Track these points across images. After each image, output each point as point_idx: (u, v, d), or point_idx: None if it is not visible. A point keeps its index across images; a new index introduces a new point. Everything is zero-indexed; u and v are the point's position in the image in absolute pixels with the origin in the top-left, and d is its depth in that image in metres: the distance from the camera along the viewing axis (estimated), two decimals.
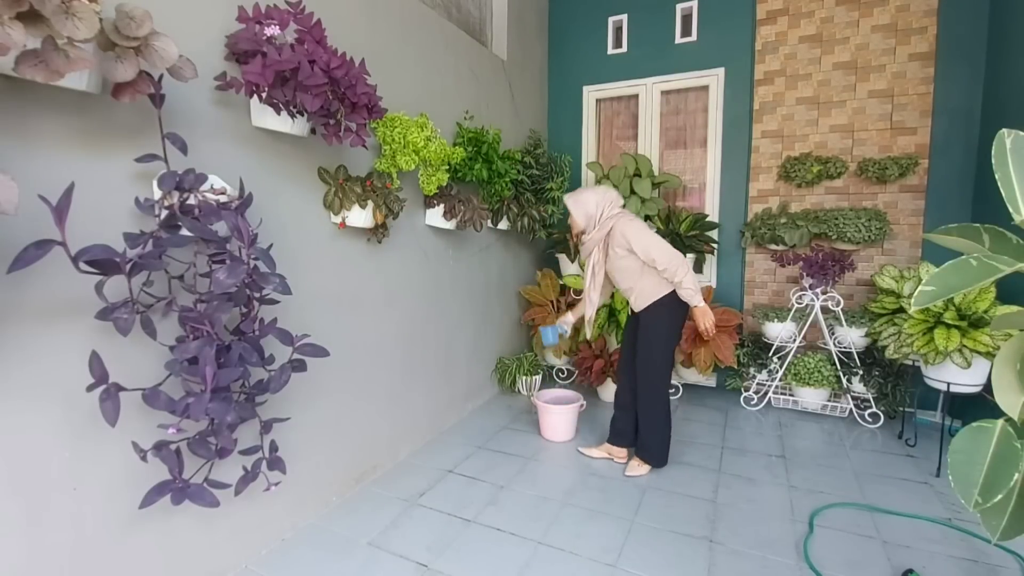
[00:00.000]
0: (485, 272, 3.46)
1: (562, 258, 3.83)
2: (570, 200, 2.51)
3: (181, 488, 1.44)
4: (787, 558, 1.92)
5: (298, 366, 1.67)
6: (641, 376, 2.52)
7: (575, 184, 4.12)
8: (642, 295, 2.46)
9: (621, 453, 2.69)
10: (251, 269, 1.51)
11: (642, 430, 2.57)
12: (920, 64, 3.17)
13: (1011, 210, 0.90)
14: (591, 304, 2.60)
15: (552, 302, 3.82)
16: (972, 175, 3.09)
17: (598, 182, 3.68)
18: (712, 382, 3.64)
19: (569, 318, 2.77)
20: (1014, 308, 2.39)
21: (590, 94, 4.15)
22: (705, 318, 2.43)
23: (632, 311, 2.59)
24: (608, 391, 3.55)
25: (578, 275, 3.63)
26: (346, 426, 2.33)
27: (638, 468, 2.56)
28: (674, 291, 2.41)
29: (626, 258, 2.43)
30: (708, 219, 3.65)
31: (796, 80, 3.48)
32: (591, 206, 2.46)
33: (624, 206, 2.60)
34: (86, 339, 1.37)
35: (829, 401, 3.30)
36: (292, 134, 1.86)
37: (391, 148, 2.23)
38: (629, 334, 2.66)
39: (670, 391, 2.56)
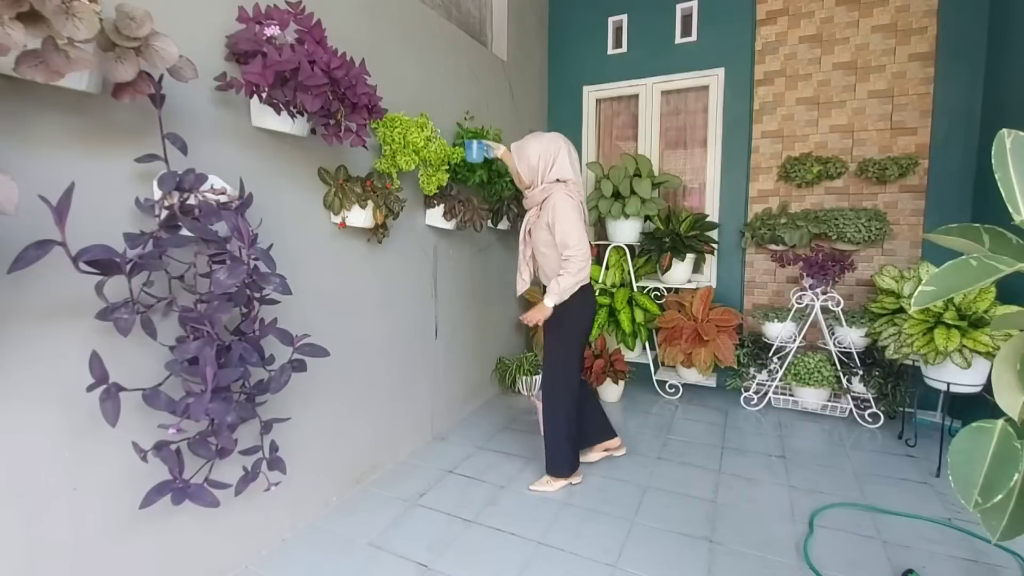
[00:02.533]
0: (485, 272, 3.46)
1: None
2: (514, 149, 2.31)
3: (181, 488, 1.44)
4: (787, 558, 1.92)
5: (298, 366, 1.67)
6: (543, 375, 2.40)
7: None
8: (546, 281, 2.32)
9: (615, 443, 2.67)
10: (251, 269, 1.50)
11: (549, 437, 2.40)
12: (920, 64, 3.17)
13: (1011, 210, 0.90)
14: (520, 281, 2.42)
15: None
16: (972, 175, 3.09)
17: (598, 182, 3.68)
18: (712, 382, 3.64)
19: (500, 149, 2.43)
20: (1014, 308, 2.39)
21: (590, 94, 4.16)
22: (538, 313, 2.23)
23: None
24: (608, 391, 3.55)
25: None
26: (346, 426, 2.33)
27: (546, 484, 2.41)
28: (587, 289, 2.29)
29: (545, 231, 2.24)
30: (708, 219, 3.65)
31: (796, 80, 3.48)
32: (533, 156, 2.24)
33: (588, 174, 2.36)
34: (86, 339, 1.37)
35: (829, 401, 3.30)
36: (292, 134, 1.86)
37: (391, 148, 2.23)
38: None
39: (571, 397, 2.36)
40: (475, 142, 2.43)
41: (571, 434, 2.39)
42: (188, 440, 1.49)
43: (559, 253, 2.21)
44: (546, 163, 2.24)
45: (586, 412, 2.56)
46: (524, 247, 2.39)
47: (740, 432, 3.09)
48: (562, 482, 2.42)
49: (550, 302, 2.20)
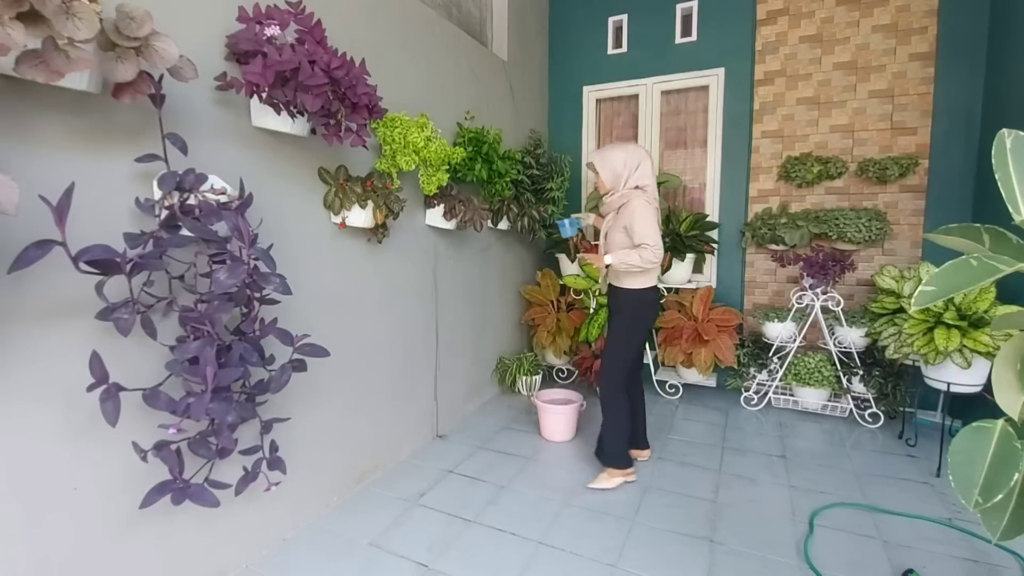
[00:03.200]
0: (485, 272, 3.46)
1: (562, 258, 3.83)
2: (596, 158, 2.41)
3: (181, 488, 1.44)
4: (787, 558, 1.92)
5: (298, 366, 1.67)
6: (602, 367, 2.48)
7: (575, 184, 4.12)
8: (622, 276, 2.41)
9: (644, 454, 2.69)
10: (251, 269, 1.50)
11: (603, 430, 2.49)
12: (920, 64, 3.17)
13: (1011, 210, 0.90)
14: (604, 281, 2.56)
15: (552, 302, 3.82)
16: (972, 175, 3.09)
17: None
18: (712, 382, 3.64)
19: (591, 218, 2.70)
20: (1014, 308, 2.39)
21: (590, 94, 4.15)
22: (597, 260, 2.38)
23: (607, 292, 2.54)
24: None
25: (578, 275, 3.63)
26: (347, 426, 2.33)
27: (604, 480, 2.43)
28: (654, 285, 2.41)
29: (622, 234, 2.35)
30: (708, 219, 3.65)
31: (796, 80, 3.48)
32: (618, 164, 2.35)
33: (660, 183, 2.46)
34: (86, 339, 1.37)
35: (829, 401, 3.30)
36: (292, 134, 1.86)
37: (391, 148, 2.23)
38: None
39: (625, 389, 2.46)
40: (567, 220, 2.62)
41: (626, 427, 2.45)
42: (188, 440, 1.49)
43: (631, 244, 2.32)
44: (630, 169, 2.34)
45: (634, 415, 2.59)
46: (602, 253, 2.47)
47: (740, 432, 3.09)
48: (619, 478, 2.44)
49: (609, 260, 2.31)
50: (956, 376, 2.51)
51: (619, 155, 2.36)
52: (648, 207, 2.32)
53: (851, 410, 3.20)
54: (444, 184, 2.57)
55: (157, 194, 1.42)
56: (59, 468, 1.36)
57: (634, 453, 2.65)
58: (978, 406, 2.62)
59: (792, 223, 3.40)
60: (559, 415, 2.94)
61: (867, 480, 2.49)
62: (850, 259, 3.17)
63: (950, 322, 2.48)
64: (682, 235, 3.51)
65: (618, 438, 2.44)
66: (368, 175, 2.26)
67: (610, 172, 2.38)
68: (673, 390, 3.68)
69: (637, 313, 2.42)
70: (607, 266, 2.38)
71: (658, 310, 2.51)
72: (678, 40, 3.77)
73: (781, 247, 3.46)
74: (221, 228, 1.48)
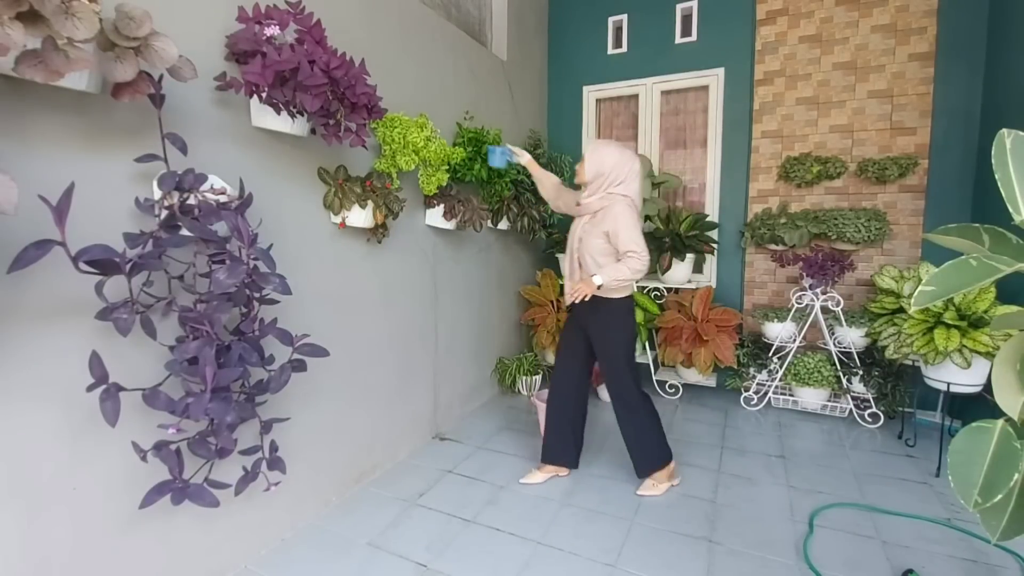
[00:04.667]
0: (485, 272, 3.46)
1: (562, 258, 3.82)
2: (589, 147, 2.25)
3: (181, 488, 1.44)
4: (787, 558, 1.92)
5: (298, 366, 1.67)
6: (612, 388, 2.37)
7: (575, 183, 4.11)
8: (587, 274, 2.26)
9: (565, 472, 2.54)
10: (251, 269, 1.50)
11: (633, 441, 2.38)
12: (920, 64, 3.17)
13: (1011, 210, 0.90)
14: (570, 280, 2.36)
15: (552, 302, 3.82)
16: (972, 175, 3.09)
17: None
18: (712, 382, 3.64)
19: (525, 156, 2.54)
20: (1014, 308, 2.39)
21: (590, 94, 4.15)
22: (586, 287, 2.13)
23: (572, 307, 2.38)
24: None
25: None
26: (346, 426, 2.33)
27: (652, 487, 2.37)
28: (632, 299, 2.32)
29: (602, 240, 2.21)
30: (708, 219, 3.65)
31: (796, 80, 3.48)
32: (608, 164, 2.18)
33: (650, 189, 2.36)
34: (86, 339, 1.37)
35: (829, 401, 3.30)
36: (292, 134, 1.86)
37: (391, 148, 2.23)
38: (572, 336, 2.43)
39: (642, 390, 2.39)
40: (498, 148, 2.51)
41: (659, 426, 2.40)
42: (188, 440, 1.49)
43: (612, 252, 2.20)
44: (618, 175, 2.19)
45: (577, 421, 2.52)
46: (572, 254, 2.32)
47: (740, 432, 3.09)
48: (666, 484, 2.39)
49: (599, 281, 2.12)
50: (956, 376, 2.51)
51: (613, 155, 2.20)
52: (633, 213, 2.19)
53: (851, 410, 3.20)
54: (444, 184, 2.57)
55: (157, 194, 1.42)
56: (59, 468, 1.36)
57: (560, 471, 2.52)
58: (978, 406, 2.62)
59: (792, 223, 3.40)
60: None
61: (866, 480, 2.49)
62: (849, 259, 3.17)
63: (950, 322, 2.48)
64: (682, 235, 3.50)
65: (656, 439, 2.38)
66: (368, 175, 2.26)
67: (595, 167, 2.20)
68: (673, 390, 3.68)
69: (628, 322, 2.32)
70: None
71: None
72: (678, 40, 3.77)
73: (781, 247, 3.46)
74: (221, 228, 1.48)
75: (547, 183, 2.57)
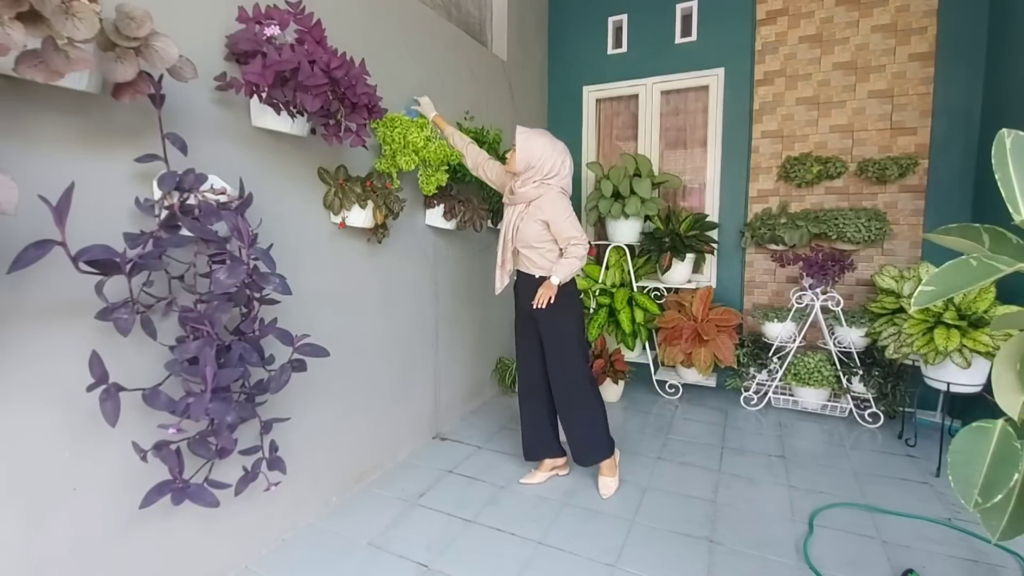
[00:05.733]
0: (485, 272, 3.46)
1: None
2: (521, 136, 2.20)
3: (181, 488, 1.44)
4: (787, 558, 1.92)
5: (298, 366, 1.67)
6: (561, 374, 2.33)
7: (575, 184, 4.11)
8: (530, 265, 2.30)
9: (564, 470, 2.55)
10: (251, 269, 1.50)
11: (584, 430, 2.34)
12: (920, 64, 3.17)
13: (1011, 210, 0.90)
14: (501, 278, 2.39)
15: None
16: (972, 175, 3.09)
17: (598, 182, 3.68)
18: (712, 382, 3.64)
19: (430, 110, 2.55)
20: (1014, 308, 2.39)
21: (590, 94, 4.15)
22: (548, 291, 2.20)
23: (517, 302, 2.43)
24: (608, 391, 3.55)
25: (577, 275, 3.62)
26: (346, 426, 2.33)
27: (611, 486, 2.37)
28: (574, 281, 2.32)
29: (539, 228, 2.22)
30: (708, 219, 3.65)
31: (796, 80, 3.48)
32: (537, 152, 2.18)
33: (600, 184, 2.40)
34: (86, 339, 1.37)
35: (829, 401, 3.30)
36: (292, 134, 1.86)
37: (391, 148, 2.23)
38: (525, 329, 2.44)
39: (595, 386, 2.41)
40: (405, 107, 2.53)
41: (605, 413, 2.41)
42: (188, 440, 1.49)
43: (556, 246, 2.25)
44: (550, 167, 2.20)
45: (551, 414, 2.49)
46: (509, 245, 2.32)
47: (740, 432, 3.09)
48: (616, 470, 2.42)
49: (557, 280, 2.20)
50: (956, 376, 2.51)
51: (544, 145, 2.19)
52: (565, 200, 2.24)
53: (851, 410, 3.20)
54: (444, 184, 2.56)
55: (157, 194, 1.42)
56: (59, 468, 1.36)
57: (554, 463, 2.52)
58: (978, 406, 2.62)
59: (792, 223, 3.40)
60: None
61: (866, 480, 2.49)
62: (850, 259, 3.17)
63: (950, 322, 2.48)
64: (682, 235, 3.51)
65: (606, 422, 2.40)
66: (368, 175, 2.26)
67: (526, 159, 2.19)
68: (673, 390, 3.68)
69: (575, 304, 2.35)
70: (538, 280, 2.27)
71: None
72: (678, 40, 3.77)
73: (781, 247, 3.46)
74: (221, 228, 1.48)
75: (469, 148, 2.53)
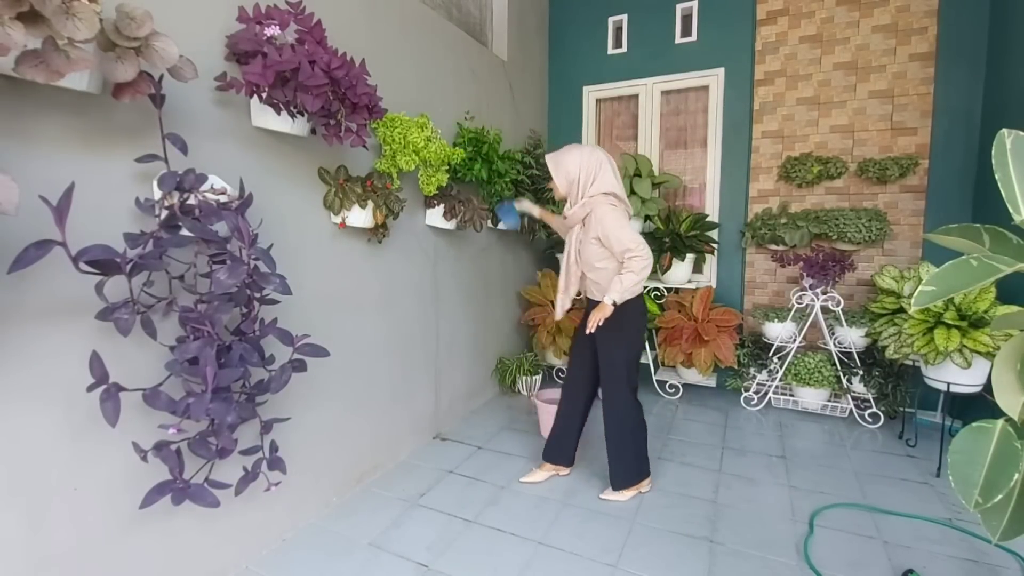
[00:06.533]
0: (485, 272, 3.46)
1: (561, 257, 3.82)
2: (550, 161, 2.21)
3: (181, 488, 1.44)
4: (787, 558, 1.92)
5: (298, 366, 1.67)
6: (605, 396, 2.31)
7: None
8: (595, 287, 2.26)
9: (565, 471, 2.55)
10: (251, 269, 1.51)
11: (616, 454, 2.31)
12: (920, 64, 3.17)
13: (1011, 210, 0.90)
14: (563, 303, 2.36)
15: (552, 302, 3.81)
16: (972, 175, 3.09)
17: None
18: (712, 382, 3.64)
19: (536, 210, 2.59)
20: (1014, 308, 2.39)
21: (590, 94, 4.15)
22: (600, 313, 2.11)
23: (586, 307, 2.36)
24: None
25: None
26: (346, 426, 2.33)
27: (619, 494, 2.33)
28: (640, 294, 2.24)
29: (596, 246, 2.18)
30: (708, 219, 3.65)
31: (796, 80, 3.48)
32: (573, 169, 2.15)
33: (625, 183, 2.30)
34: (86, 339, 1.37)
35: (829, 401, 3.30)
36: (292, 134, 1.86)
37: (391, 148, 2.23)
38: (581, 343, 2.36)
39: (638, 402, 2.33)
40: (505, 203, 2.62)
41: (644, 442, 2.35)
42: (188, 440, 1.49)
43: (618, 263, 2.14)
44: (588, 176, 2.15)
45: (580, 427, 2.50)
46: (573, 268, 2.29)
47: (740, 432, 3.09)
48: (633, 491, 2.34)
49: (611, 300, 2.08)
50: (956, 376, 2.51)
51: (574, 158, 2.16)
52: (615, 209, 2.15)
53: (851, 410, 3.20)
54: (444, 184, 2.57)
55: (157, 194, 1.42)
56: (59, 468, 1.36)
57: (560, 470, 2.54)
58: (978, 406, 2.62)
59: (792, 223, 3.40)
60: None
61: (867, 480, 2.49)
62: (850, 259, 3.17)
63: (950, 322, 2.48)
64: (682, 235, 3.50)
65: (637, 454, 2.33)
66: (368, 175, 2.26)
67: (564, 177, 2.18)
68: (673, 390, 3.68)
69: (633, 324, 2.26)
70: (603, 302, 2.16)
71: (647, 310, 2.39)
72: (678, 40, 3.77)
73: (781, 247, 3.46)
74: (221, 228, 1.48)
75: (559, 223, 2.53)
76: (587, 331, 2.16)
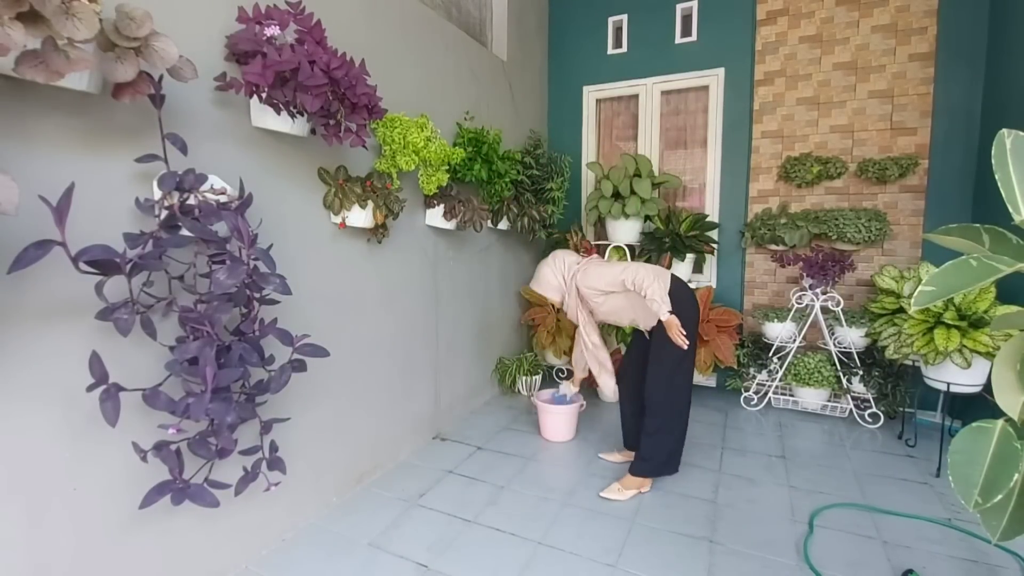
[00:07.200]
0: (485, 272, 3.46)
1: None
2: (535, 287, 2.58)
3: (181, 488, 1.44)
4: (787, 558, 1.92)
5: (298, 366, 1.67)
6: (649, 391, 2.36)
7: (575, 184, 4.12)
8: (649, 317, 2.36)
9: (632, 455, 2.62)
10: (251, 269, 1.50)
11: (652, 441, 2.37)
12: (920, 64, 3.17)
13: (1011, 210, 0.90)
14: (599, 350, 2.59)
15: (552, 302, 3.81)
16: (972, 175, 3.09)
17: (598, 182, 3.68)
18: (712, 382, 3.64)
19: (572, 387, 2.95)
20: (1014, 308, 2.39)
21: (590, 94, 4.15)
22: (673, 326, 2.21)
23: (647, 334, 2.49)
24: (608, 391, 3.54)
25: None
26: (346, 426, 2.33)
27: (620, 492, 2.35)
28: (681, 284, 2.33)
29: (608, 299, 2.40)
30: (708, 219, 3.65)
31: (796, 80, 3.48)
32: (552, 278, 2.50)
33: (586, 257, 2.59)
34: (86, 339, 1.37)
35: (829, 401, 3.30)
36: (292, 134, 1.86)
37: (391, 148, 2.23)
38: (638, 339, 2.55)
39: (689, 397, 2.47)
40: (556, 395, 3.00)
41: (683, 439, 2.48)
42: (188, 440, 1.49)
43: (625, 294, 2.35)
44: (563, 274, 2.50)
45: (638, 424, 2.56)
46: (590, 330, 2.55)
47: (740, 432, 3.09)
48: (634, 491, 2.37)
49: (664, 312, 2.19)
50: (956, 376, 2.51)
51: (546, 271, 2.51)
52: (590, 265, 2.44)
53: (851, 410, 3.20)
54: (444, 184, 2.57)
55: (157, 194, 1.42)
56: (59, 468, 1.36)
57: (629, 454, 2.65)
58: (978, 406, 2.62)
59: (792, 223, 3.40)
60: (559, 415, 2.94)
61: (867, 480, 2.49)
62: (850, 259, 3.17)
63: (950, 322, 2.48)
64: (682, 235, 3.51)
65: (677, 448, 2.45)
66: (368, 175, 2.26)
67: (552, 290, 2.52)
68: None
69: (688, 313, 2.31)
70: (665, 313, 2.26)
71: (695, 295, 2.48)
72: (678, 40, 3.77)
73: (781, 247, 3.46)
74: (221, 228, 1.48)
75: (601, 341, 2.68)
76: (683, 347, 2.23)
